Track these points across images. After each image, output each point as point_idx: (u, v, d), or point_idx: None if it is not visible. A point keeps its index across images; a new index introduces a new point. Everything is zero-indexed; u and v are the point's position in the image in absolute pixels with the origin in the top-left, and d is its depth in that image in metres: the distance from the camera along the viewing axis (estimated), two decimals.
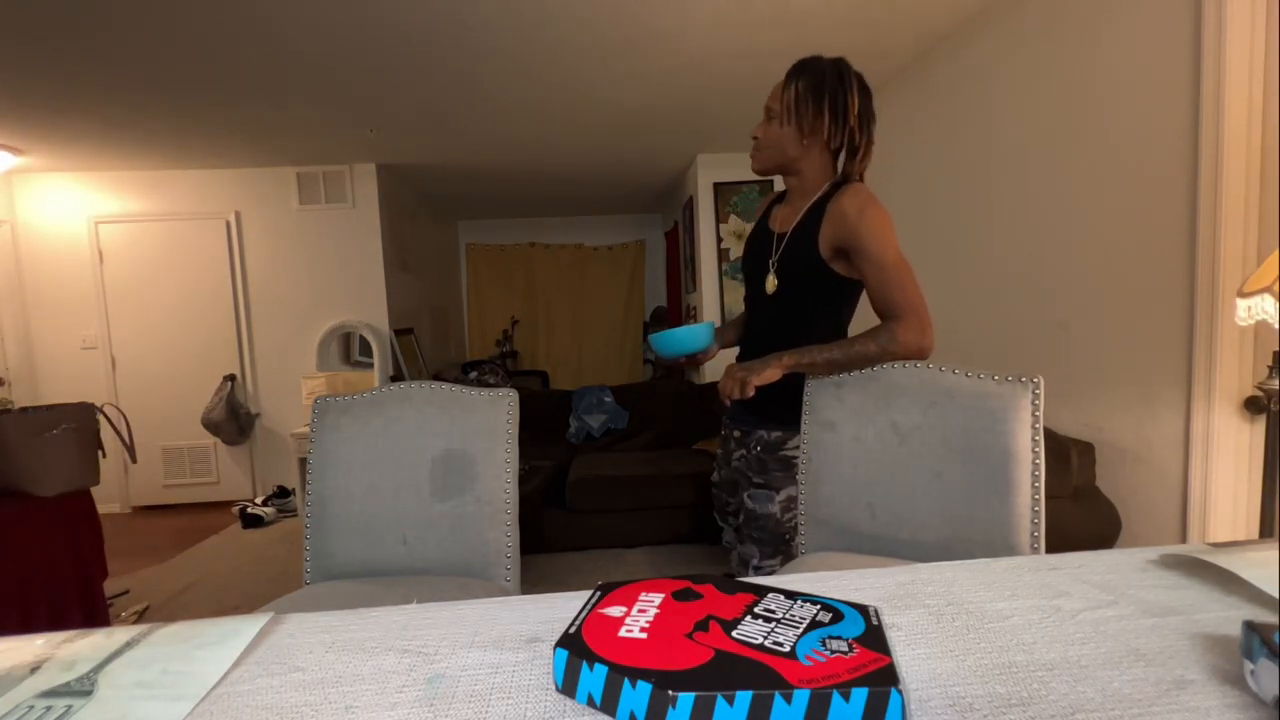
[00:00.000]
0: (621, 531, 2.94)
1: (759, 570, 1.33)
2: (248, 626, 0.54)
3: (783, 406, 1.26)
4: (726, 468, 1.48)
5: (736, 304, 4.22)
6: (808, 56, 1.24)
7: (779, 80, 1.27)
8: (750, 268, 1.40)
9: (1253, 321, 1.12)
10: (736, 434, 1.42)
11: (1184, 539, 1.59)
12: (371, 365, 4.10)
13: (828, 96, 1.19)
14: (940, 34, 2.47)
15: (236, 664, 0.49)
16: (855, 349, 1.17)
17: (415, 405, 1.16)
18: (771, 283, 1.30)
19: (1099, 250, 1.81)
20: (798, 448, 1.23)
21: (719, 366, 4.07)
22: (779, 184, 4.16)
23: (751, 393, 1.18)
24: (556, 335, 6.57)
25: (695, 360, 1.40)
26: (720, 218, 4.19)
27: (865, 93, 1.22)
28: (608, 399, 3.74)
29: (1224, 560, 0.56)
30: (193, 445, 4.06)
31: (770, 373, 1.19)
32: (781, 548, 1.31)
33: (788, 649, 0.43)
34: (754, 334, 1.39)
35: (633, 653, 0.43)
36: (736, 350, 1.50)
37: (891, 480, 1.09)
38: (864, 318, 1.26)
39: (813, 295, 1.28)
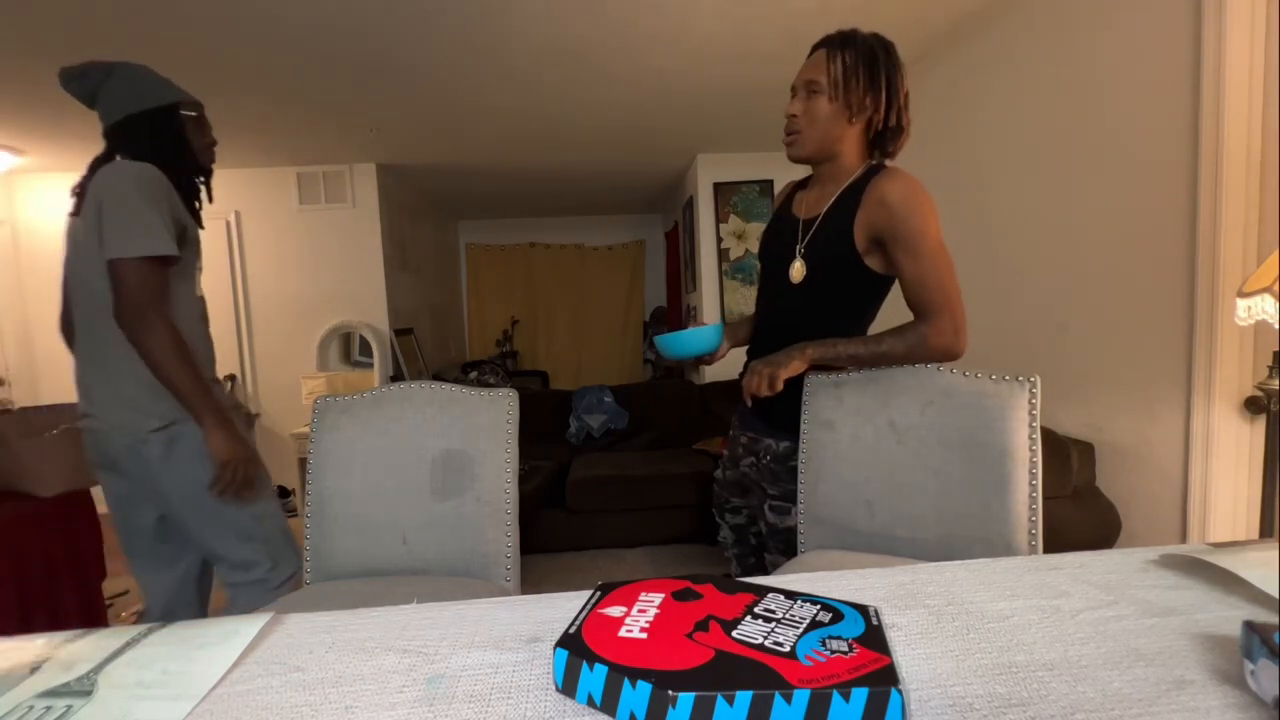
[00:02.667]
0: (621, 531, 2.93)
1: None
2: (248, 626, 0.54)
3: (790, 415, 1.22)
4: (733, 469, 1.44)
5: (737, 304, 4.22)
6: (845, 29, 1.12)
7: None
8: (771, 256, 1.28)
9: (1253, 321, 1.12)
10: (744, 439, 1.36)
11: (1184, 539, 1.59)
12: (371, 365, 4.10)
13: (883, 72, 1.09)
14: (940, 34, 2.47)
15: (236, 664, 0.49)
16: (882, 348, 1.10)
17: (415, 405, 1.16)
18: (799, 270, 1.19)
19: (1099, 250, 1.81)
20: None
21: (720, 369, 4.07)
22: (770, 183, 4.17)
23: (780, 387, 1.12)
24: (556, 335, 6.57)
25: (702, 361, 1.34)
26: (720, 218, 4.19)
27: (903, 72, 1.13)
28: (608, 399, 3.74)
29: (1224, 560, 0.56)
30: None
31: (796, 365, 1.13)
32: None
33: (788, 649, 0.43)
34: (773, 326, 1.30)
35: (633, 653, 0.43)
36: (746, 349, 1.43)
37: (890, 479, 1.09)
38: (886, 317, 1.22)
39: (841, 287, 1.18)
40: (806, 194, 1.25)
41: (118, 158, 1.36)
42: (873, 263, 1.13)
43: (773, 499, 1.31)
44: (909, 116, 1.13)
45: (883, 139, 1.14)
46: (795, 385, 1.21)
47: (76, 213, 1.36)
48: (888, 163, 1.16)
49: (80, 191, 1.36)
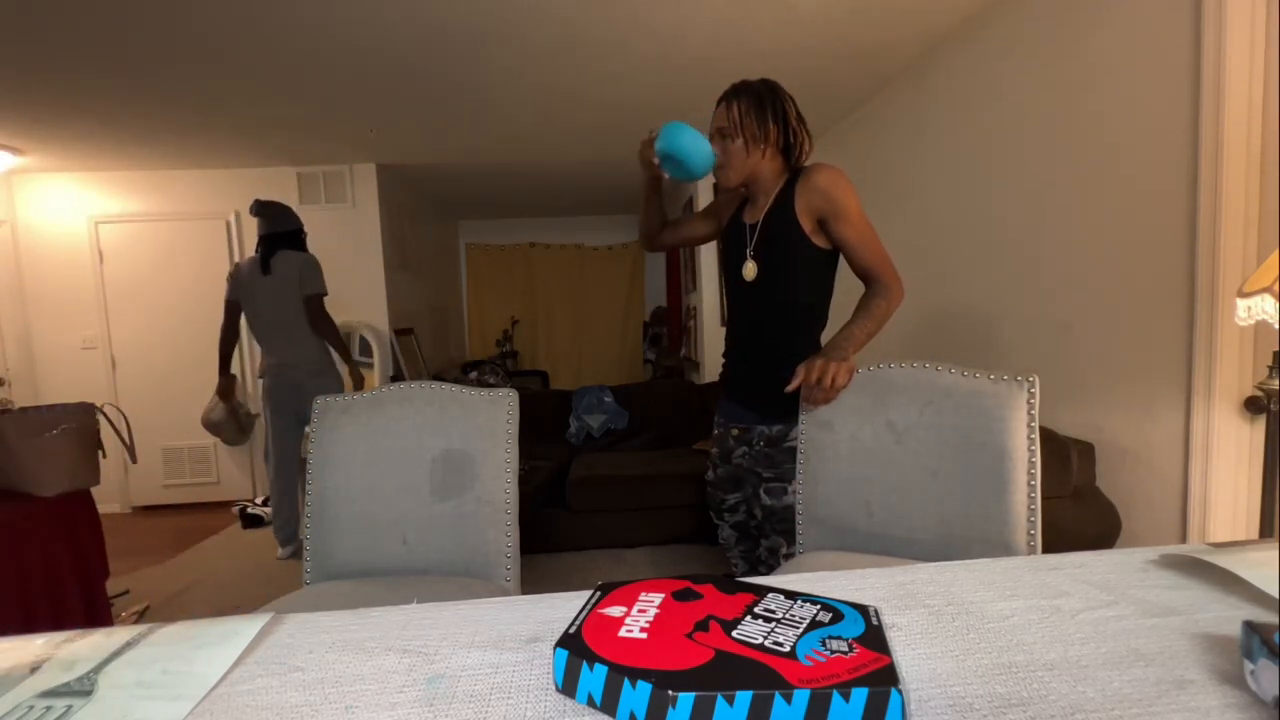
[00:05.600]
0: (621, 531, 2.93)
1: (789, 557, 1.38)
2: (248, 626, 0.54)
3: (777, 402, 1.32)
4: (725, 465, 1.50)
5: None
6: (736, 81, 1.39)
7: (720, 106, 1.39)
8: (728, 263, 1.47)
9: (1253, 321, 1.12)
10: (735, 431, 1.46)
11: (1184, 539, 1.59)
12: (371, 365, 4.10)
13: (769, 107, 1.35)
14: (941, 33, 2.47)
15: (236, 664, 0.50)
16: (878, 314, 1.29)
17: (415, 405, 1.16)
18: (750, 269, 1.39)
19: (1099, 250, 1.81)
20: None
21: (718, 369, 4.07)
22: None
23: (845, 382, 1.16)
24: (556, 335, 6.57)
25: (680, 172, 1.37)
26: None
27: (792, 100, 1.40)
28: (608, 399, 3.74)
29: (1224, 560, 0.56)
30: (193, 445, 4.06)
31: (851, 361, 1.20)
32: None
33: (788, 649, 0.43)
34: (740, 326, 1.47)
35: (633, 653, 0.43)
36: (723, 354, 1.55)
37: (888, 479, 1.09)
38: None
39: (790, 276, 1.36)
40: (750, 206, 1.46)
41: (289, 250, 2.79)
42: (819, 240, 1.34)
43: (768, 481, 1.39)
44: (805, 132, 1.38)
45: (790, 152, 1.38)
46: (778, 364, 1.33)
47: (267, 272, 2.72)
48: (806, 163, 1.39)
49: (266, 261, 2.72)
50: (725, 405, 1.51)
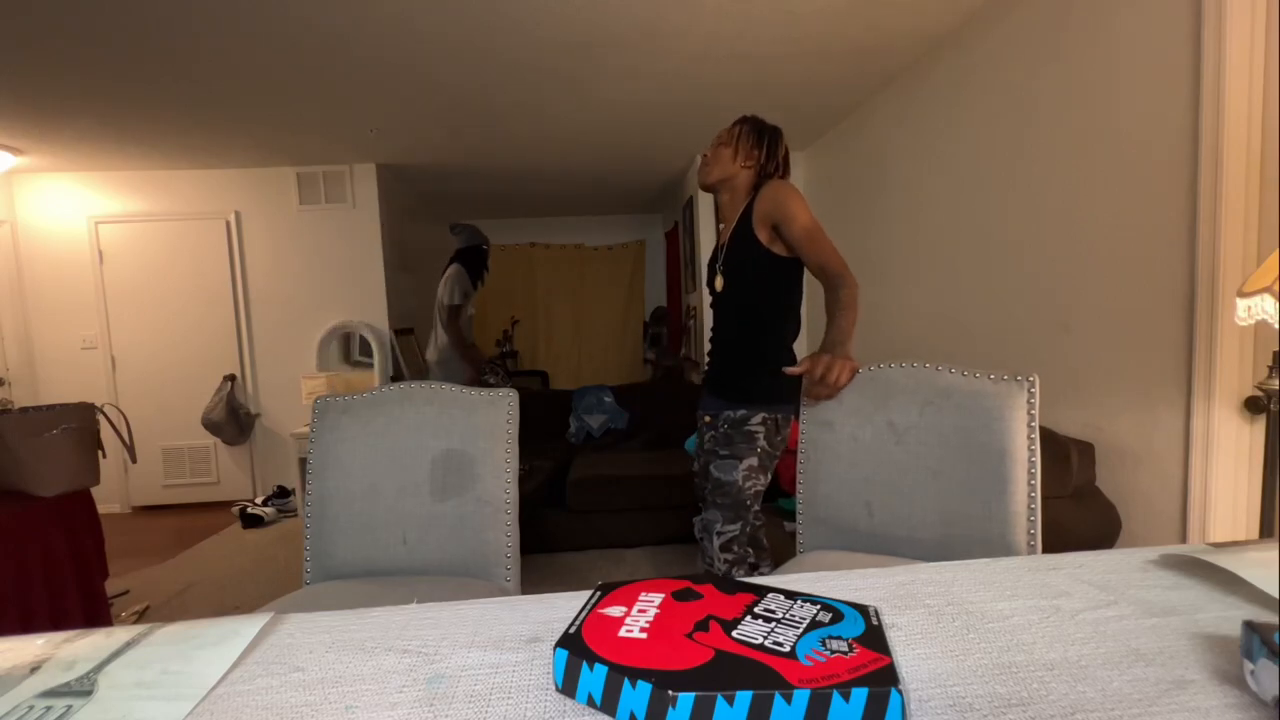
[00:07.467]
0: (621, 531, 2.93)
1: (721, 535, 1.48)
2: (248, 626, 0.54)
3: (742, 389, 1.50)
4: (703, 454, 1.60)
5: None
6: (748, 115, 1.64)
7: (728, 120, 1.63)
8: (708, 280, 1.66)
9: (1253, 321, 1.12)
10: (707, 419, 1.59)
11: (1184, 539, 1.59)
12: (371, 365, 4.10)
13: (765, 137, 1.58)
14: (940, 34, 2.47)
15: (236, 664, 0.50)
16: (849, 302, 1.35)
17: (415, 405, 1.16)
18: (719, 282, 1.57)
19: (1100, 250, 1.81)
20: (761, 423, 1.46)
21: None
22: None
23: (848, 381, 1.18)
24: (556, 335, 6.57)
25: None
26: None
27: (786, 148, 1.62)
28: (608, 399, 3.74)
29: (1224, 560, 0.56)
30: (193, 445, 4.06)
31: (855, 361, 1.22)
32: (742, 513, 1.48)
33: (788, 649, 0.43)
34: (715, 329, 1.63)
35: (633, 653, 0.43)
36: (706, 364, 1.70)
37: (889, 479, 1.09)
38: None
39: (752, 283, 1.51)
40: (723, 229, 1.65)
41: (459, 263, 3.39)
42: (777, 249, 1.48)
43: (721, 457, 1.49)
44: (778, 175, 1.57)
45: (763, 182, 1.54)
46: (743, 359, 1.52)
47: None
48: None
49: (445, 271, 3.34)
50: (702, 400, 1.65)
